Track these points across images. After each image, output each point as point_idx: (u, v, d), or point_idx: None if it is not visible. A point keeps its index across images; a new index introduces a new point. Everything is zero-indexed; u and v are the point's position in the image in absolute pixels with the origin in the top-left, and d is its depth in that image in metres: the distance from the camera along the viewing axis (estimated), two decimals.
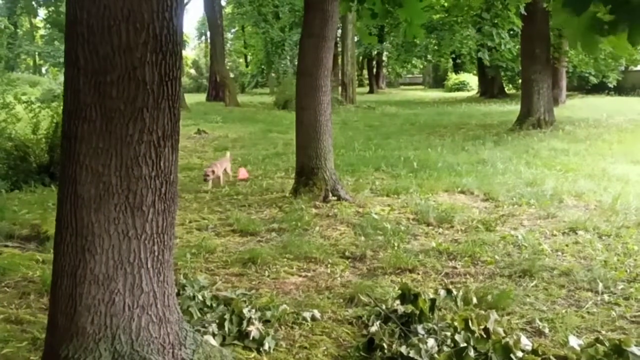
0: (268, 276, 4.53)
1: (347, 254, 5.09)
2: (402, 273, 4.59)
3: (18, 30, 45.45)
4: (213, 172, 7.79)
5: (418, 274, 4.59)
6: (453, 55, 35.14)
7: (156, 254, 2.47)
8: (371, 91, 35.46)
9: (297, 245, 5.15)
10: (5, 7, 43.31)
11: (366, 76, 39.46)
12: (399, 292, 3.65)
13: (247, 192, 7.67)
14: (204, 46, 50.24)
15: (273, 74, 35.09)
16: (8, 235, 5.55)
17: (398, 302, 3.63)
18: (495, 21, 10.00)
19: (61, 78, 25.54)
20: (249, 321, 3.34)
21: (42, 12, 46.64)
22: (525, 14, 10.86)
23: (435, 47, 28.04)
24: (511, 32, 14.44)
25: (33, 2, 44.36)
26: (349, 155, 10.62)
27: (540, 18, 12.90)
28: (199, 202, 7.12)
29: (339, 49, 25.67)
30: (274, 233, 5.74)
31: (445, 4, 15.00)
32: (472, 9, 10.99)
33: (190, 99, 25.99)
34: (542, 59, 13.52)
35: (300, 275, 4.60)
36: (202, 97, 30.13)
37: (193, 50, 59.74)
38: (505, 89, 29.39)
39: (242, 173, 8.87)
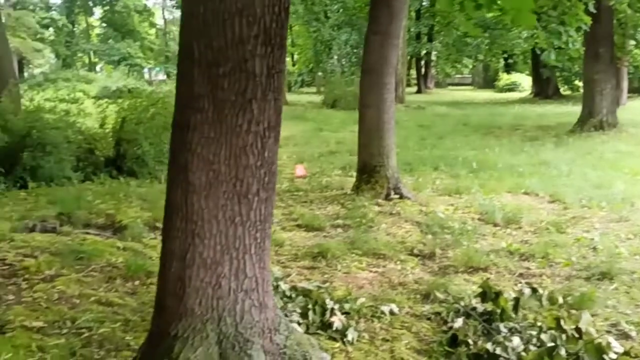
0: (339, 270, 4.59)
1: (415, 251, 5.10)
2: (475, 272, 4.56)
3: (75, 29, 47.07)
4: None
5: (491, 273, 4.56)
6: (505, 55, 34.51)
7: (258, 240, 2.55)
8: (419, 91, 35.13)
9: (364, 242, 5.18)
10: (64, 6, 45.00)
11: (414, 76, 39.08)
12: (480, 289, 3.63)
13: (307, 188, 7.76)
14: None
15: (320, 73, 35.21)
16: (85, 223, 5.79)
17: (478, 299, 3.62)
18: (563, 19, 9.66)
19: (115, 75, 26.46)
20: (332, 312, 3.40)
21: (98, 12, 48.53)
22: (595, 11, 10.54)
23: (487, 46, 27.60)
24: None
25: (90, 2, 45.82)
26: (404, 154, 10.55)
27: (604, 17, 12.50)
28: None
29: None
30: (339, 229, 5.79)
31: (499, 2, 14.65)
32: (534, 8, 10.65)
33: None
34: (605, 59, 13.11)
35: (370, 271, 4.64)
36: None
37: None
38: (561, 90, 28.61)
39: (300, 170, 8.96)
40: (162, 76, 46.10)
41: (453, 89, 41.14)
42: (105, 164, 8.80)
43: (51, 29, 41.85)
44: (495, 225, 5.90)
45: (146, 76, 45.45)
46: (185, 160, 2.43)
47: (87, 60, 47.95)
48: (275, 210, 6.48)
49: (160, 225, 5.78)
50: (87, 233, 5.26)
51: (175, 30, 49.18)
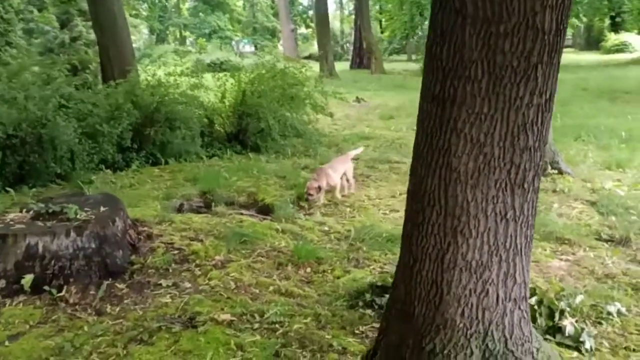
0: None
1: (603, 236, 4.48)
2: None
3: (166, 4, 48.08)
4: (319, 188, 5.48)
5: None
6: (612, 13, 31.62)
7: (529, 239, 2.10)
8: None
9: (541, 224, 4.61)
10: None
11: None
12: None
13: None
14: (339, 14, 50.00)
15: (412, 39, 33.95)
16: (228, 202, 5.58)
17: None
18: None
19: (209, 49, 26.67)
20: (562, 314, 2.91)
21: None
22: None
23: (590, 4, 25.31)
24: None
25: None
26: None
27: None
28: (397, 173, 6.79)
29: None
30: None
31: None
32: None
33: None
34: None
35: (561, 259, 4.09)
36: (343, 65, 29.98)
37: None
38: None
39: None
40: (248, 48, 46.39)
41: None
42: (229, 139, 8.64)
43: (145, 5, 43.00)
44: None
45: (234, 48, 45.98)
46: (448, 142, 1.99)
47: (178, 35, 49.01)
48: None
49: (304, 204, 5.53)
50: (241, 214, 5.04)
51: (263, 1, 49.16)
